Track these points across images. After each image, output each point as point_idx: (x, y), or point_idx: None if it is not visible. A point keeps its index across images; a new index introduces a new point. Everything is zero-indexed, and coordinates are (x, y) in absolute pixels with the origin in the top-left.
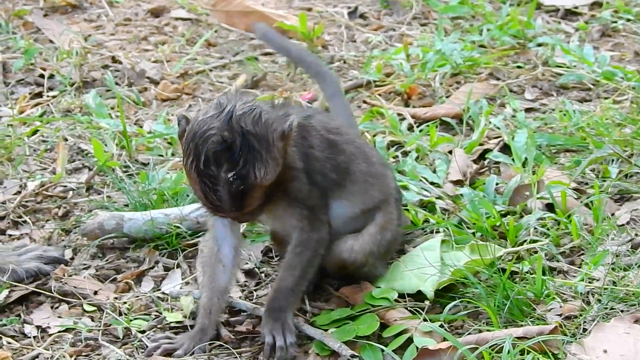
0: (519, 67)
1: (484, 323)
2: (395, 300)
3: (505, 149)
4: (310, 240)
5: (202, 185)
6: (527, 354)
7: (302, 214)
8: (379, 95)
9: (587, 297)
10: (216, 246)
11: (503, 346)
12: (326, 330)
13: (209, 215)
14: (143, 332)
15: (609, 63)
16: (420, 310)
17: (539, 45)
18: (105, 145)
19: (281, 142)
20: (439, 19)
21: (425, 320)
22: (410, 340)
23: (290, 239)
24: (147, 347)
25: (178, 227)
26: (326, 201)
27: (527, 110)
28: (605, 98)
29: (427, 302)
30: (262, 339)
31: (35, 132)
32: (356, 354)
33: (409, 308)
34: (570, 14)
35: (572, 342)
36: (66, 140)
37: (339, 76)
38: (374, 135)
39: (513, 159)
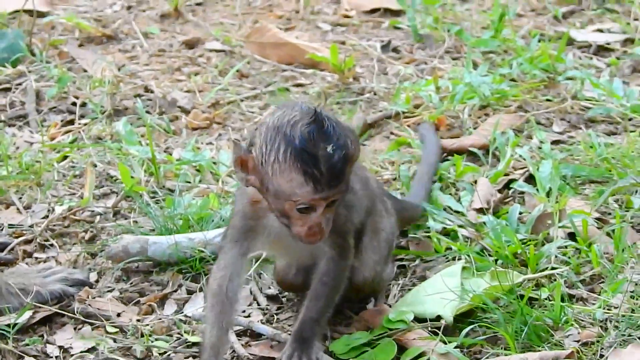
0: (548, 100)
1: (502, 348)
2: (415, 322)
3: (531, 179)
4: (338, 269)
5: (301, 167)
6: None
7: (336, 241)
8: (408, 126)
9: (605, 324)
10: (226, 281)
11: None
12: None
13: (222, 247)
14: (164, 353)
15: (637, 97)
16: (438, 332)
17: (569, 79)
18: (133, 170)
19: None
20: (468, 52)
21: (443, 342)
22: None
23: (309, 269)
24: None
25: (202, 251)
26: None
27: (555, 142)
28: (632, 131)
29: (443, 322)
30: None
31: (64, 157)
32: None
33: (427, 330)
34: (602, 50)
35: None
36: (95, 166)
37: (368, 107)
38: (401, 164)
39: (538, 189)
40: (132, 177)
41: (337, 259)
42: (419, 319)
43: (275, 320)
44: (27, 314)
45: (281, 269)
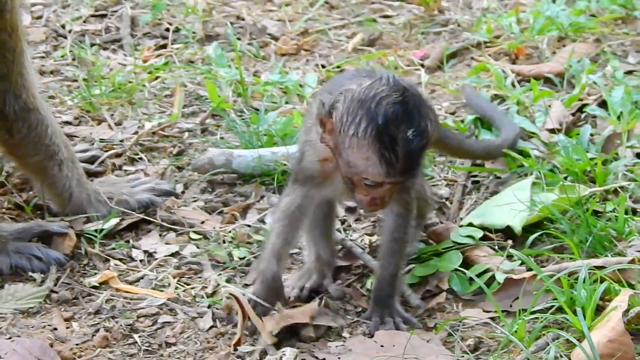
0: (625, 33)
1: (568, 258)
2: (481, 239)
3: (603, 105)
4: (407, 223)
5: (379, 148)
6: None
7: (402, 197)
8: (489, 55)
9: None
10: (294, 205)
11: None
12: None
13: (291, 183)
14: (243, 258)
15: None
16: (505, 247)
17: None
18: (221, 89)
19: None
20: None
21: (509, 256)
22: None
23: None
24: (247, 272)
25: (284, 164)
26: None
27: (629, 72)
28: None
29: (509, 242)
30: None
31: (156, 78)
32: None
33: (494, 247)
34: None
35: None
36: (185, 86)
37: (451, 38)
38: (481, 88)
39: (609, 113)
40: (219, 95)
41: (404, 214)
42: (487, 229)
43: (352, 230)
44: (114, 220)
45: None
